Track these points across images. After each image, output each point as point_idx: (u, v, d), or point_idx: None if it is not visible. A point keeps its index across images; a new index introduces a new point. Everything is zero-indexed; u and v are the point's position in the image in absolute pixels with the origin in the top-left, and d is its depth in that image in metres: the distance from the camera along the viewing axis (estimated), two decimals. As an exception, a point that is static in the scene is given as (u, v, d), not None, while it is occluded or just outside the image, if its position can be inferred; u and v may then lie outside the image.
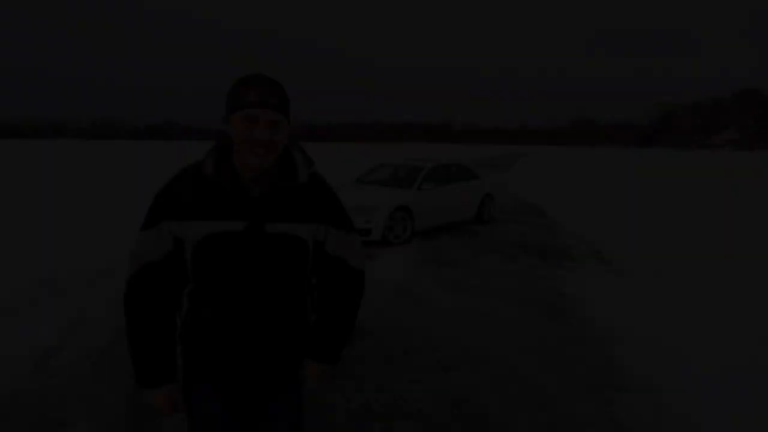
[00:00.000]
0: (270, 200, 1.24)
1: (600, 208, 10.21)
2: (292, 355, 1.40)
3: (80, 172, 18.43)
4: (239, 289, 1.24)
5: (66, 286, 4.54)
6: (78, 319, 3.85)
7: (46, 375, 3.01)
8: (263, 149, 1.18)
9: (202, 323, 1.28)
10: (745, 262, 5.76)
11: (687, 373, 3.10)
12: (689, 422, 2.58)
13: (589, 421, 2.59)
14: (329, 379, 1.50)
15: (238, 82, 1.19)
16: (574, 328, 3.91)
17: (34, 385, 2.89)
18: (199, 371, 1.33)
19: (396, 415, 2.63)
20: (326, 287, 1.44)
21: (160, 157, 29.07)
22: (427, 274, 5.48)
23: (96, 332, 3.63)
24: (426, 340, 3.63)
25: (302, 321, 1.40)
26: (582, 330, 3.89)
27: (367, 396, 2.82)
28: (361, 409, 2.69)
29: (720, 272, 5.39)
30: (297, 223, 1.27)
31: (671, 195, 12.84)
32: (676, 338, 3.66)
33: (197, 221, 1.20)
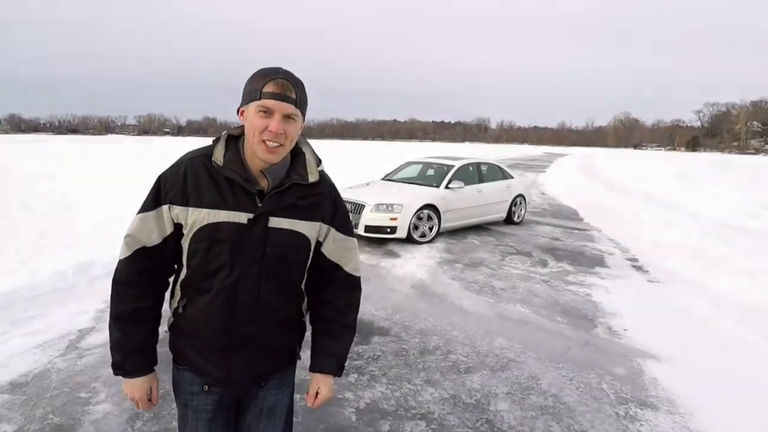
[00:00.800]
0: (277, 195, 1.22)
1: (639, 213, 9.78)
2: (285, 350, 1.38)
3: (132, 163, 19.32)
4: (236, 281, 1.21)
5: (104, 270, 4.76)
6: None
7: (76, 355, 3.17)
8: (275, 143, 1.16)
9: (195, 314, 1.25)
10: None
11: (723, 398, 2.92)
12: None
13: (608, 436, 2.48)
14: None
15: (257, 74, 1.18)
16: (601, 339, 3.76)
17: (66, 363, 3.04)
18: (189, 362, 1.30)
19: (406, 416, 2.60)
20: (323, 294, 1.40)
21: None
22: (451, 275, 5.41)
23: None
24: (444, 342, 3.58)
25: (298, 319, 1.39)
26: (610, 341, 3.73)
27: (378, 394, 2.81)
28: (370, 406, 2.68)
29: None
30: (302, 220, 1.26)
31: (717, 199, 12.15)
32: (715, 357, 3.46)
33: (201, 209, 1.18)
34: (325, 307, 1.40)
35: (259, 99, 1.14)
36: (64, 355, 3.15)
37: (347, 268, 1.39)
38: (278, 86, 1.14)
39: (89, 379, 2.87)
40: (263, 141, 1.16)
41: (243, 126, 1.24)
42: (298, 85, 1.18)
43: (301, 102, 1.19)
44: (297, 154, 1.30)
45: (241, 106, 1.21)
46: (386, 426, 2.51)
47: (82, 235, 5.98)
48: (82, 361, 3.09)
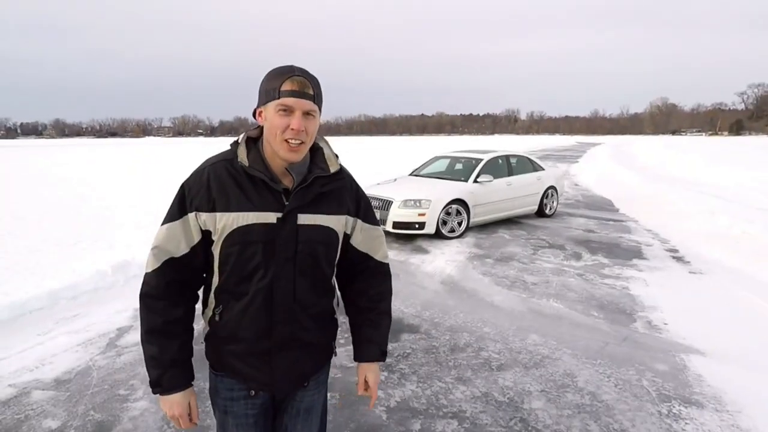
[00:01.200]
0: (303, 191, 1.22)
1: (679, 201, 9.35)
2: (323, 348, 1.38)
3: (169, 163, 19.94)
4: (272, 281, 1.20)
5: (141, 270, 4.92)
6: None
7: (116, 353, 3.27)
8: (297, 140, 1.15)
9: (233, 319, 1.23)
10: None
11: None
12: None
13: (650, 436, 2.37)
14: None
15: (272, 73, 1.17)
16: (641, 333, 3.61)
17: (106, 361, 3.15)
18: (230, 368, 1.29)
19: (437, 415, 2.56)
20: (355, 284, 1.42)
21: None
22: (481, 270, 5.31)
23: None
24: (475, 339, 3.52)
25: (330, 315, 1.38)
26: (650, 335, 3.58)
27: (409, 392, 2.78)
28: (401, 405, 2.65)
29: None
30: (329, 214, 1.26)
31: (762, 184, 11.49)
32: (764, 351, 3.27)
33: (230, 213, 1.17)
34: (359, 298, 1.42)
35: (278, 98, 1.14)
36: (104, 353, 3.27)
37: (377, 257, 1.41)
38: (296, 84, 1.14)
39: (128, 376, 2.96)
40: (285, 140, 1.15)
41: (260, 127, 1.24)
42: (314, 81, 1.18)
43: (318, 98, 1.19)
44: (315, 150, 1.31)
45: (258, 107, 1.20)
46: (417, 425, 2.47)
47: (120, 236, 6.19)
48: (121, 358, 3.19)
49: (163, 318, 1.22)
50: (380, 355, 1.41)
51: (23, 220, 7.51)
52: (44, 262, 4.99)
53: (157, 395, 1.26)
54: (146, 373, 1.16)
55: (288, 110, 1.14)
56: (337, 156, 1.34)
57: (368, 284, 1.41)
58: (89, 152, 35.46)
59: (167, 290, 1.23)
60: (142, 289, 1.24)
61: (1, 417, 2.51)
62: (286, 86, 1.13)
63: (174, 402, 1.25)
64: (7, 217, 7.76)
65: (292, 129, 1.14)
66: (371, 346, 1.41)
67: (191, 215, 1.20)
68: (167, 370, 1.23)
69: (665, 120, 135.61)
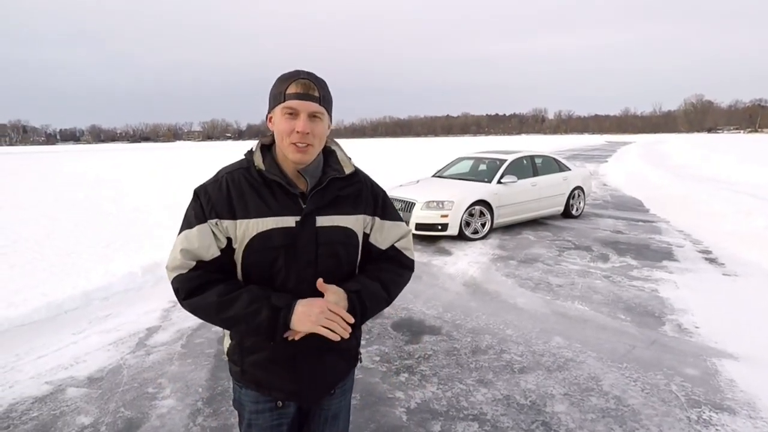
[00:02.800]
0: (320, 193, 1.23)
1: (713, 201, 9.01)
2: (349, 353, 1.36)
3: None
4: (295, 286, 1.19)
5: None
6: (175, 303, 4.28)
7: (145, 352, 3.38)
8: (304, 142, 1.16)
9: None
10: None
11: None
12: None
13: (678, 443, 2.30)
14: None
15: (280, 78, 1.19)
16: (670, 337, 3.50)
17: (135, 360, 3.26)
18: (256, 381, 1.27)
19: (457, 417, 2.55)
20: (371, 262, 1.35)
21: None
22: (504, 272, 5.24)
23: (188, 315, 4.01)
24: (497, 341, 3.48)
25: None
26: (680, 339, 3.46)
27: (429, 394, 2.77)
28: (421, 406, 2.65)
29: None
30: (347, 215, 1.26)
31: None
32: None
33: (249, 219, 1.17)
34: (368, 266, 1.34)
35: (284, 101, 1.15)
36: (134, 352, 3.38)
37: (398, 246, 1.37)
38: (301, 86, 1.15)
39: (156, 375, 3.05)
40: (292, 143, 1.16)
41: (273, 134, 1.25)
42: (320, 83, 1.18)
43: (324, 100, 1.19)
44: (328, 153, 1.31)
45: (269, 112, 1.22)
46: (437, 427, 2.47)
47: (148, 239, 6.39)
48: (150, 358, 3.30)
49: (218, 289, 1.15)
50: (354, 291, 1.20)
51: (59, 222, 7.84)
52: (79, 264, 5.20)
53: (286, 330, 1.14)
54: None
55: (293, 113, 1.15)
56: (350, 158, 1.35)
57: (385, 264, 1.34)
58: (121, 157, 36.66)
59: (207, 280, 1.17)
60: (180, 295, 1.18)
61: (38, 413, 2.63)
62: (292, 89, 1.14)
63: (303, 307, 1.13)
64: (44, 220, 8.12)
65: (297, 131, 1.14)
66: (352, 283, 1.23)
67: (212, 222, 1.18)
68: (267, 296, 1.14)
69: (700, 117, 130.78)
